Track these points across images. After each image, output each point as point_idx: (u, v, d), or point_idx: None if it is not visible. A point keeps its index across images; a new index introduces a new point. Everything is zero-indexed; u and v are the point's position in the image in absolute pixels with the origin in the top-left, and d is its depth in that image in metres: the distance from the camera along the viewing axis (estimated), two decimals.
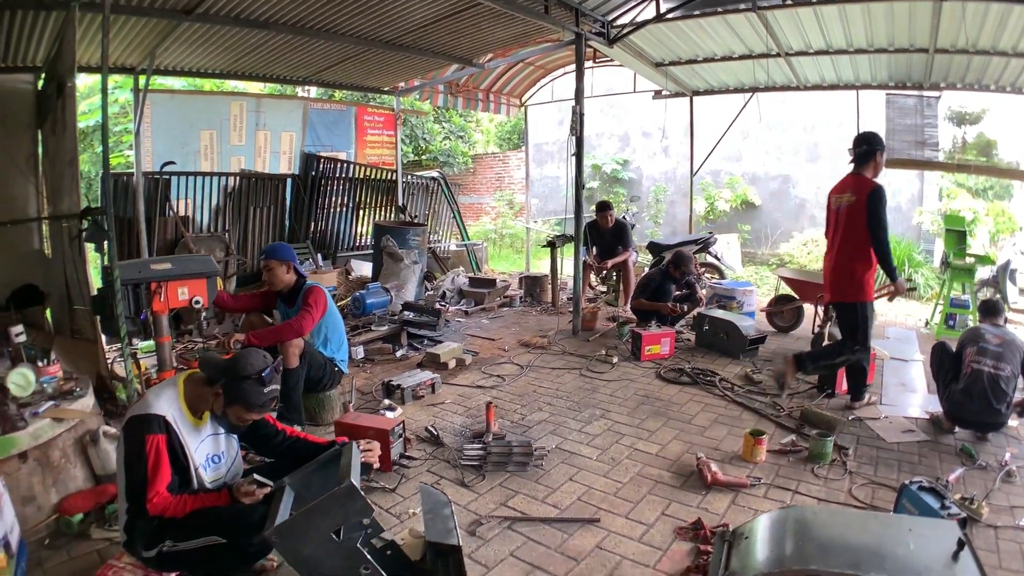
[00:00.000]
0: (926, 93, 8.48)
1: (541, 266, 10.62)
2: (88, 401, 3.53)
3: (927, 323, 7.56)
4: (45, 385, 3.44)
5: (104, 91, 3.94)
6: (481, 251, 10.57)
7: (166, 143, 7.28)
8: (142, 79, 6.47)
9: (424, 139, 14.53)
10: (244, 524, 2.42)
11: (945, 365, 4.24)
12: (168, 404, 2.49)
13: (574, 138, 6.58)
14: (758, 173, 12.76)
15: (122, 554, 2.72)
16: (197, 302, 3.92)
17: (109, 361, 4.31)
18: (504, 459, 3.78)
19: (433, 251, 9.72)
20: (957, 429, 4.16)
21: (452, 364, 5.78)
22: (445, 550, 2.46)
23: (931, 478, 3.09)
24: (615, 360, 5.94)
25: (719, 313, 6.61)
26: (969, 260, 7.09)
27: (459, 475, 3.70)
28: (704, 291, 7.57)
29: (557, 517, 3.15)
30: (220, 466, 2.72)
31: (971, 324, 6.47)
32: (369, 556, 2.39)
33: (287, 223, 8.63)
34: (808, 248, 11.33)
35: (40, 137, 5.62)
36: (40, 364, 3.57)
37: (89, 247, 4.21)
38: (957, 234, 7.18)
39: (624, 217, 9.02)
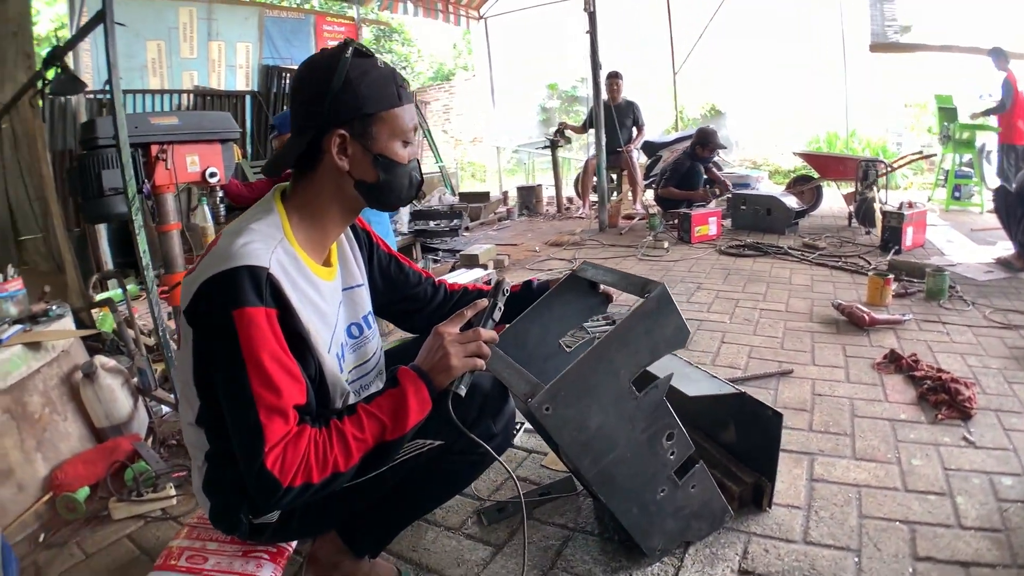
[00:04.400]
0: None
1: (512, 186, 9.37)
2: (70, 323, 2.17)
3: (929, 199, 7.12)
4: (6, 304, 2.06)
5: None
6: (455, 174, 9.22)
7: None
8: None
9: None
10: (473, 407, 1.23)
11: (1012, 206, 4.08)
12: (267, 244, 1.11)
13: (587, 15, 5.80)
14: (728, 78, 11.75)
15: (186, 529, 1.48)
16: (212, 175, 2.51)
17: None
18: None
19: None
20: None
21: (491, 265, 4.69)
22: (721, 401, 1.69)
23: None
24: (667, 244, 5.13)
25: (758, 191, 6.07)
26: (967, 134, 6.71)
27: None
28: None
29: (748, 376, 2.50)
30: (366, 340, 1.38)
31: (976, 194, 6.54)
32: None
33: (248, 147, 6.97)
34: (781, 151, 10.47)
35: None
36: None
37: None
38: (948, 111, 6.93)
39: None
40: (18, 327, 1.97)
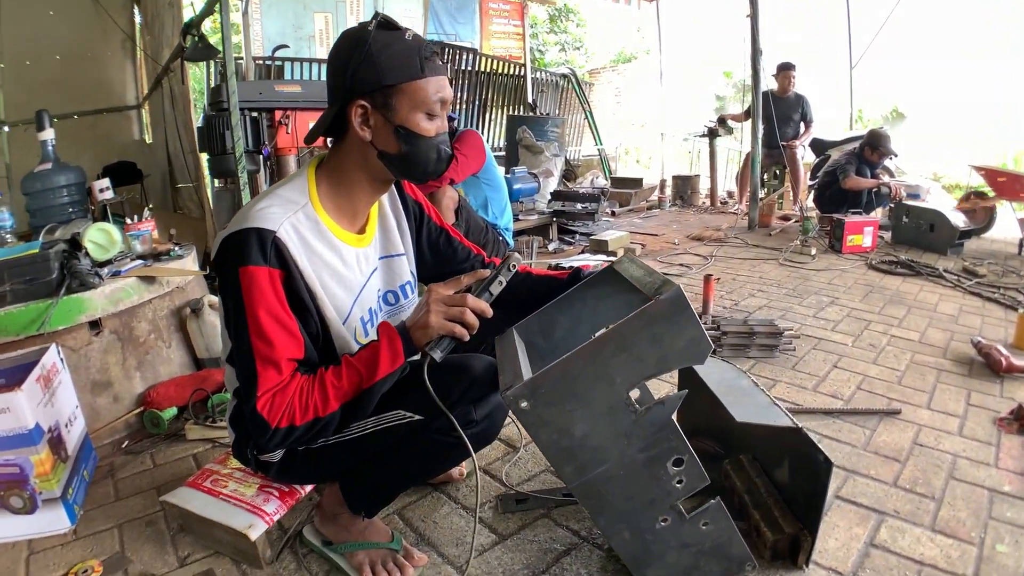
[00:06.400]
0: None
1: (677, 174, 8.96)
2: (190, 263, 2.45)
3: None
4: (134, 241, 2.38)
5: None
6: (615, 158, 9.03)
7: (278, 26, 6.11)
8: None
9: (540, 50, 12.84)
10: (457, 387, 1.24)
11: None
12: (286, 209, 1.19)
13: None
14: (913, 79, 10.30)
15: (227, 456, 1.64)
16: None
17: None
18: (744, 341, 2.69)
19: (565, 156, 8.28)
20: None
21: (621, 253, 4.55)
22: (774, 434, 1.52)
23: None
24: (814, 251, 4.66)
25: (925, 203, 5.31)
26: None
27: None
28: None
29: (847, 409, 2.20)
30: (402, 308, 1.45)
31: None
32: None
33: None
34: (962, 163, 8.96)
35: (137, 11, 4.64)
36: (129, 222, 2.53)
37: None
38: None
39: None
40: (139, 262, 2.26)
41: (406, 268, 1.45)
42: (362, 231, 1.34)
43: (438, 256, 1.53)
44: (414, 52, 1.18)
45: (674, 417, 1.22)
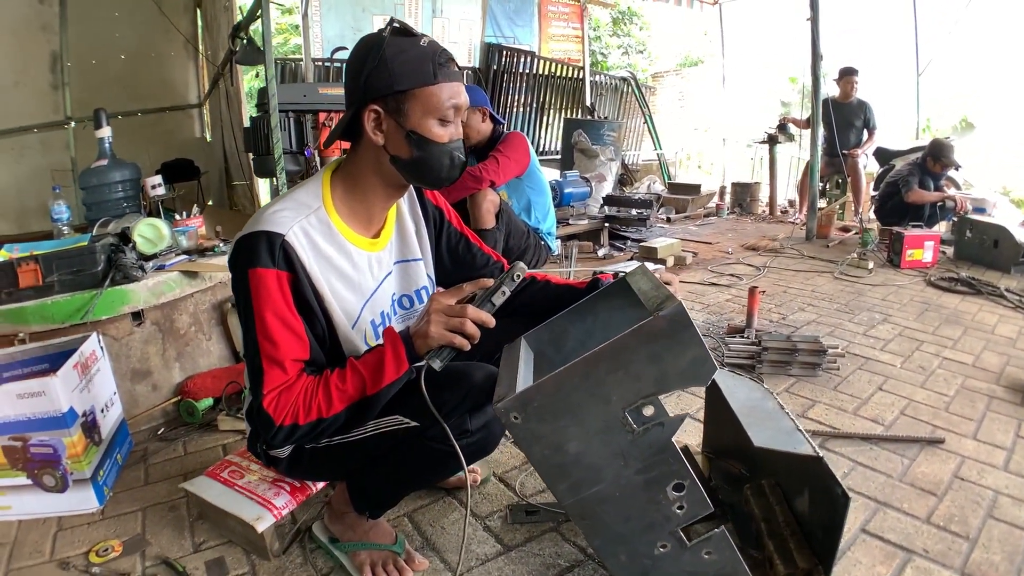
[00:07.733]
0: None
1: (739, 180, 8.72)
2: None
3: None
4: (181, 237, 2.48)
5: None
6: (674, 164, 8.85)
7: (336, 28, 6.21)
8: None
9: (603, 53, 12.69)
10: (454, 396, 1.24)
11: None
12: (298, 212, 1.21)
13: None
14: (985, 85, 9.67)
15: (242, 449, 1.69)
16: None
17: None
18: (786, 357, 2.58)
19: (622, 160, 8.16)
20: None
21: (671, 262, 4.49)
22: (794, 462, 1.43)
23: None
24: (871, 265, 4.45)
25: (991, 218, 4.99)
26: None
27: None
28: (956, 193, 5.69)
29: (887, 436, 2.08)
30: (416, 312, 1.45)
31: None
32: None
33: None
34: None
35: (200, 14, 4.83)
36: (179, 217, 2.64)
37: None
38: None
39: None
40: (184, 257, 2.36)
41: (423, 273, 1.46)
42: (377, 235, 1.36)
43: (457, 261, 1.54)
44: (428, 58, 1.19)
45: (689, 442, 1.17)
